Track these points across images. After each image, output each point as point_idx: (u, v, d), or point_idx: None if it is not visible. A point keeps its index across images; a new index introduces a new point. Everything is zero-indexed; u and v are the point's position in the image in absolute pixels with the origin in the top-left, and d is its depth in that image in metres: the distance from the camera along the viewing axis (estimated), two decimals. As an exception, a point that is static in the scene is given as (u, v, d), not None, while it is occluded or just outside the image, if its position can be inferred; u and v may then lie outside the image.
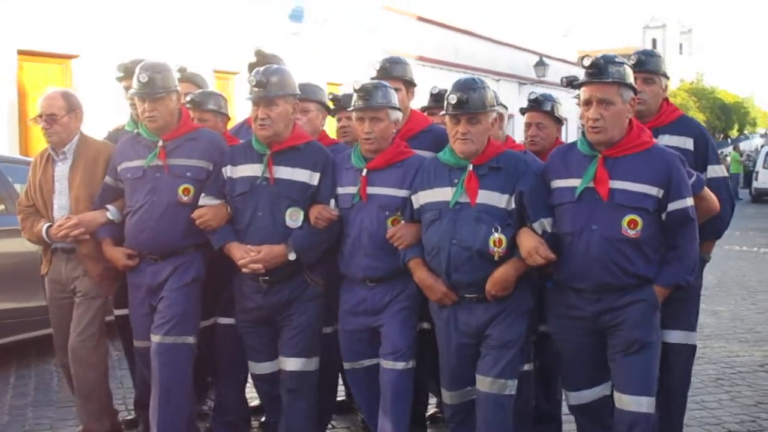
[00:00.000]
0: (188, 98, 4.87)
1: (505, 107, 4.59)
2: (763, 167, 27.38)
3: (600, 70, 3.69)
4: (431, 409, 5.07)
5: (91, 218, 4.46)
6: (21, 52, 9.79)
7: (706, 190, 4.02)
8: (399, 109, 4.23)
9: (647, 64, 4.38)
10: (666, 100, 4.50)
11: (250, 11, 14.34)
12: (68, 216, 4.45)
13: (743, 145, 56.38)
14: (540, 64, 25.42)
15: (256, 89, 4.13)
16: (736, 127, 70.75)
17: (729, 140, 67.91)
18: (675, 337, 4.26)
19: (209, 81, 6.13)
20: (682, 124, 4.40)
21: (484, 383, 3.89)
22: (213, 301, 4.59)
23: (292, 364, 4.32)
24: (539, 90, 5.17)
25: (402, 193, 4.09)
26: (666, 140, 4.19)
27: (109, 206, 4.49)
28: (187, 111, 4.70)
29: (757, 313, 8.96)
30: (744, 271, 11.74)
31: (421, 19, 21.07)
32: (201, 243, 4.38)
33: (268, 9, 14.97)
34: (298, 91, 4.32)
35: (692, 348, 4.40)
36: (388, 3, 19.45)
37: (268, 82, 4.11)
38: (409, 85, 4.71)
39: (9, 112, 10.13)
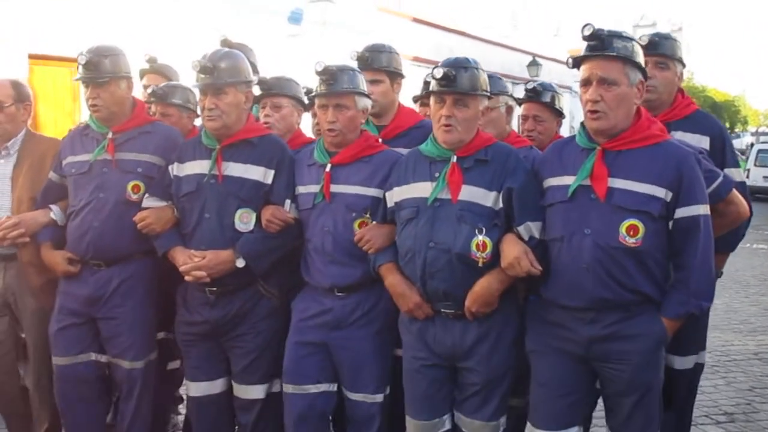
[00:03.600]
0: (149, 90, 4.49)
1: (517, 100, 4.17)
2: (755, 165, 27.62)
3: (603, 43, 3.09)
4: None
5: (32, 218, 3.99)
6: (32, 56, 9.93)
7: (735, 192, 3.49)
8: (368, 96, 3.76)
9: (661, 47, 3.88)
10: (681, 91, 4.02)
11: (249, 13, 14.50)
12: (7, 216, 3.99)
13: (734, 144, 56.70)
14: (533, 64, 25.57)
15: (202, 76, 3.69)
16: (728, 125, 71.07)
17: (720, 138, 68.03)
18: (689, 362, 3.92)
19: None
20: (698, 120, 3.92)
21: (472, 427, 3.43)
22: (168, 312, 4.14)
23: (256, 392, 3.89)
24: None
25: (371, 192, 3.62)
26: (678, 137, 3.64)
27: (52, 206, 4.06)
28: (142, 102, 4.28)
29: (750, 306, 9.26)
30: (738, 266, 11.99)
31: (416, 20, 21.25)
32: (151, 249, 3.91)
33: (267, 11, 15.13)
34: (252, 78, 3.90)
35: (703, 365, 4.10)
36: (383, 4, 19.62)
37: (215, 68, 3.67)
38: (395, 76, 4.17)
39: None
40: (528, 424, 3.35)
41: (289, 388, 3.70)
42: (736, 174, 3.87)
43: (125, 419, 4.11)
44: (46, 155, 4.15)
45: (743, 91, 77.65)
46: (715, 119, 4.10)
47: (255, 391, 3.90)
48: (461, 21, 23.86)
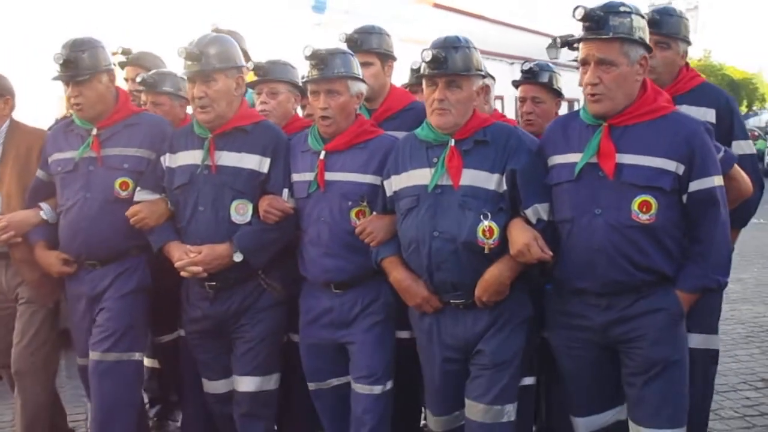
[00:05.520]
0: (139, 79, 4.33)
1: (493, 78, 4.04)
2: (774, 143, 27.52)
3: (598, 22, 2.97)
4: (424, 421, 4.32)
5: (22, 218, 3.89)
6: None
7: (737, 168, 3.44)
8: (362, 80, 3.61)
9: (663, 25, 3.75)
10: (686, 65, 3.89)
11: (273, 2, 14.68)
12: None
13: (752, 122, 56.26)
14: (552, 46, 25.62)
15: (189, 63, 3.53)
16: (745, 103, 70.51)
17: (738, 117, 67.66)
18: (693, 341, 3.57)
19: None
20: (702, 93, 3.80)
21: (475, 411, 3.25)
22: (176, 313, 4.00)
23: (246, 384, 3.76)
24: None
25: (367, 179, 3.49)
26: (683, 111, 3.50)
27: (42, 204, 3.93)
28: (126, 92, 4.11)
29: (778, 279, 9.45)
30: (764, 241, 12.18)
31: (437, 5, 21.39)
32: (146, 245, 3.81)
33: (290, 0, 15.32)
34: (243, 63, 3.75)
35: (714, 354, 3.82)
36: (403, -9, 19.79)
37: (203, 54, 3.51)
38: (386, 58, 4.08)
39: (58, 108, 10.47)
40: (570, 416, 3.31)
41: (312, 386, 3.69)
42: (745, 146, 3.78)
43: (93, 419, 3.89)
44: (32, 147, 4.01)
45: (761, 69, 76.93)
46: (721, 90, 4.01)
47: (244, 383, 3.78)
48: (481, 5, 23.96)
